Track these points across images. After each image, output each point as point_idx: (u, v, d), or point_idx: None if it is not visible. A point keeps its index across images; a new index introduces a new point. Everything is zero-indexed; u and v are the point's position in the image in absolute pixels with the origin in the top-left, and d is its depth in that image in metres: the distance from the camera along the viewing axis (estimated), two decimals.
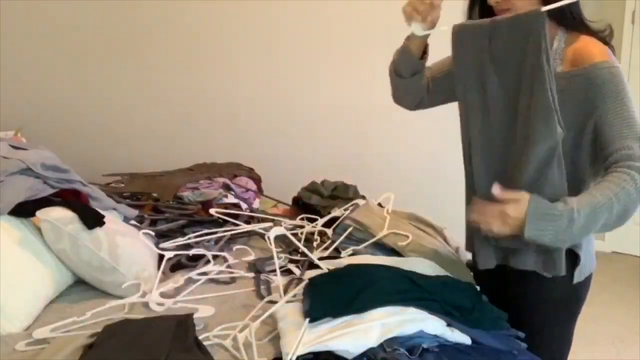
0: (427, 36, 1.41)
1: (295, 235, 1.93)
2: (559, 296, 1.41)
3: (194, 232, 1.90)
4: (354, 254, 1.75)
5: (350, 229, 1.81)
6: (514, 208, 1.19)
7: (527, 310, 1.39)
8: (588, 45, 1.29)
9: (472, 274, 1.60)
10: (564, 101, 1.25)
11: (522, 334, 1.30)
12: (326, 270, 1.51)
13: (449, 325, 1.22)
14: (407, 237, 1.71)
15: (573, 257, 1.37)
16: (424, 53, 1.47)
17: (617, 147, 1.22)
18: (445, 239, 1.82)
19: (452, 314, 1.24)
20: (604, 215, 1.20)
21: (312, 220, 2.06)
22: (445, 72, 1.50)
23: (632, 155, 1.20)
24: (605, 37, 1.33)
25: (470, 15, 1.41)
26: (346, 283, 1.30)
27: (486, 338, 1.23)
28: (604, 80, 1.24)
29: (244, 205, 2.21)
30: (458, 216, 1.61)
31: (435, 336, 1.20)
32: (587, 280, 1.44)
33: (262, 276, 1.66)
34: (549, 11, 1.24)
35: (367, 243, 1.75)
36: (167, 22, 3.03)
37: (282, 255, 1.79)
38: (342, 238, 1.79)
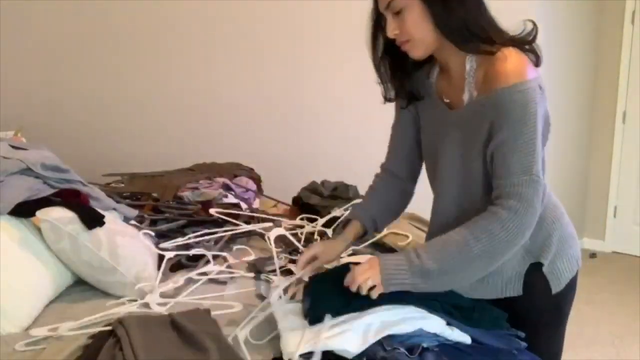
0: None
1: (295, 235, 1.93)
2: (542, 309, 1.35)
3: (194, 232, 1.90)
4: (353, 253, 1.75)
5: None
6: (370, 273, 1.21)
7: (514, 326, 1.31)
8: (497, 65, 1.19)
9: None
10: (475, 126, 1.23)
11: (522, 334, 1.29)
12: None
13: (448, 324, 1.22)
14: (407, 237, 1.71)
15: (539, 271, 1.31)
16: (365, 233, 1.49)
17: (501, 182, 1.19)
18: None
19: (452, 314, 1.24)
20: (461, 255, 1.18)
21: (312, 220, 2.06)
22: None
23: (510, 193, 1.17)
24: (522, 39, 1.24)
25: (373, 46, 1.34)
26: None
27: (486, 337, 1.23)
28: (508, 107, 1.17)
29: (244, 205, 2.21)
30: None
31: (435, 335, 1.20)
32: (571, 283, 1.36)
33: (262, 276, 1.66)
34: (457, 39, 1.20)
35: (366, 243, 1.75)
36: (167, 23, 3.03)
37: (282, 255, 1.79)
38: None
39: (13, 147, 1.78)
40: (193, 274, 1.63)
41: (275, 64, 3.09)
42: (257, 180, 2.58)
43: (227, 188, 2.27)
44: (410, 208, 1.98)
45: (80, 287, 1.62)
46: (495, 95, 1.19)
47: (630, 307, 3.24)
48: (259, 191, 2.52)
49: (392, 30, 1.25)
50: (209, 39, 3.05)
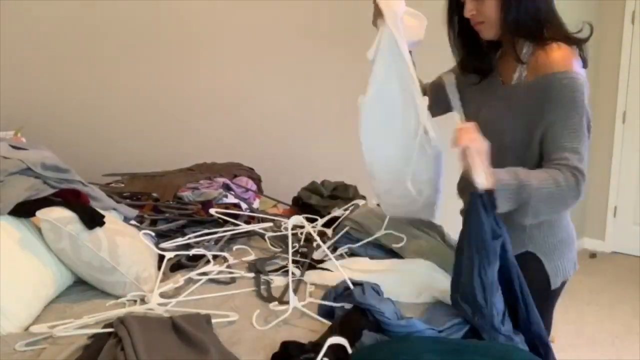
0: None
1: (295, 235, 1.93)
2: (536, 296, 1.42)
3: (194, 232, 1.90)
4: (352, 254, 1.75)
5: (346, 229, 1.81)
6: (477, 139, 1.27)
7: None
8: (550, 54, 1.35)
9: None
10: (524, 104, 1.37)
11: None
12: (324, 270, 1.51)
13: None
14: (403, 238, 1.72)
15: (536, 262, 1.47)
16: None
17: (554, 157, 1.33)
18: (442, 237, 1.83)
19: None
20: (538, 188, 1.28)
21: (312, 221, 2.06)
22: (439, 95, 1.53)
23: (567, 164, 1.31)
24: (576, 38, 1.40)
25: (450, 23, 1.49)
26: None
27: None
28: (557, 90, 1.32)
29: (244, 205, 2.21)
30: (455, 214, 1.62)
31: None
32: (565, 282, 1.52)
33: (262, 276, 1.66)
34: (522, 27, 1.37)
35: (362, 242, 1.76)
36: (167, 22, 3.03)
37: (282, 255, 1.79)
38: (337, 237, 1.80)
39: (13, 147, 1.78)
40: (193, 274, 1.63)
41: (275, 64, 3.09)
42: (257, 180, 2.58)
43: (227, 188, 2.27)
44: None
45: (80, 287, 1.62)
46: (547, 79, 1.33)
47: (630, 307, 3.24)
48: (259, 191, 2.52)
49: (469, 11, 1.40)
50: (209, 39, 3.05)
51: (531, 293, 1.35)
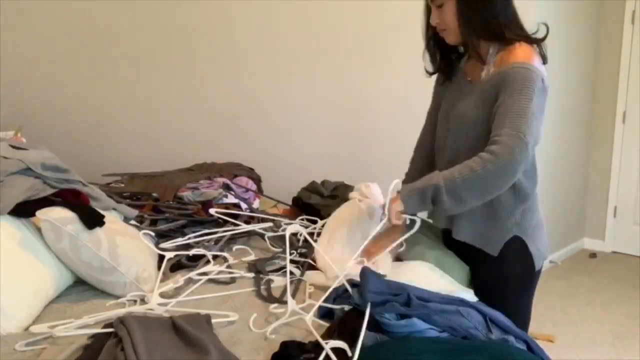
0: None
1: (295, 235, 1.93)
2: (517, 278, 1.59)
3: (194, 232, 1.90)
4: None
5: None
6: (394, 204, 1.48)
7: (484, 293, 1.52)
8: (513, 51, 1.46)
9: (462, 262, 1.64)
10: (489, 95, 1.46)
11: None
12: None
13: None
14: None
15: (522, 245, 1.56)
16: None
17: (494, 134, 1.40)
18: (439, 238, 1.82)
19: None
20: (448, 184, 1.40)
21: (312, 221, 2.06)
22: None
23: (495, 141, 1.38)
24: (535, 38, 1.49)
25: (426, 31, 1.60)
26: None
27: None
28: (513, 77, 1.41)
29: (244, 205, 2.21)
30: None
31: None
32: (540, 268, 1.62)
33: (262, 276, 1.66)
34: (479, 32, 1.48)
35: (362, 246, 1.74)
36: (167, 23, 3.03)
37: (282, 255, 1.79)
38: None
39: (13, 147, 1.78)
40: (193, 274, 1.63)
41: (275, 65, 3.09)
42: (257, 180, 2.58)
43: (227, 188, 2.27)
44: None
45: (80, 287, 1.62)
46: (505, 68, 1.44)
47: (630, 307, 3.24)
48: (259, 191, 2.52)
49: (434, 19, 1.53)
50: (209, 40, 3.05)
51: (518, 277, 1.55)
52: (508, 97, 1.39)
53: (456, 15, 1.48)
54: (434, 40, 1.61)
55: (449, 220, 1.60)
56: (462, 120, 1.54)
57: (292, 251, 1.81)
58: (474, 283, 1.62)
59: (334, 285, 1.41)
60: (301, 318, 1.36)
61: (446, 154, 1.60)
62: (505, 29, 1.47)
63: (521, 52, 1.44)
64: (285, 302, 1.43)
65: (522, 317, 1.60)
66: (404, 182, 1.74)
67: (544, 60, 1.49)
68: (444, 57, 1.64)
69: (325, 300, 1.40)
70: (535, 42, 1.49)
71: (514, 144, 1.35)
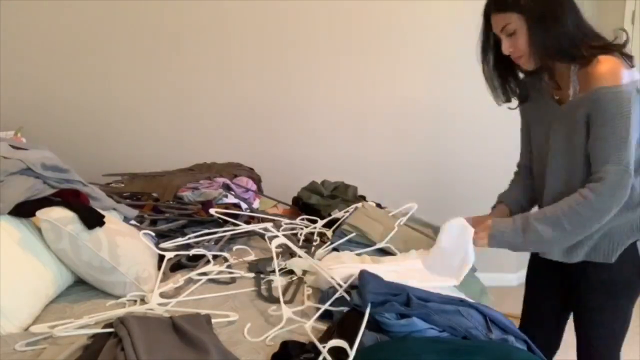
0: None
1: (294, 235, 1.93)
2: (628, 282, 1.57)
3: (194, 232, 1.90)
4: (359, 253, 1.75)
5: (351, 235, 1.80)
6: (482, 231, 1.54)
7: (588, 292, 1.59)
8: (596, 69, 1.41)
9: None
10: (581, 123, 1.44)
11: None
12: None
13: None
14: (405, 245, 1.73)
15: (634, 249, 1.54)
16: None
17: (596, 169, 1.42)
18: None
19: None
20: (555, 230, 1.45)
21: (312, 221, 2.06)
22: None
23: (599, 178, 1.40)
24: (617, 46, 1.44)
25: (484, 59, 1.58)
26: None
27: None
28: (603, 107, 1.39)
29: (244, 205, 2.21)
30: (456, 215, 1.62)
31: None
32: None
33: (262, 276, 1.66)
34: (554, 54, 1.45)
35: (364, 250, 1.74)
36: (168, 23, 3.03)
37: (281, 257, 1.79)
38: (337, 243, 1.79)
39: (13, 147, 1.78)
40: (193, 274, 1.63)
41: (275, 64, 3.09)
42: (257, 180, 2.58)
43: (227, 188, 2.27)
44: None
45: (80, 287, 1.62)
46: (593, 93, 1.40)
47: None
48: (259, 191, 2.52)
49: (507, 49, 1.49)
50: (208, 40, 3.05)
51: (627, 282, 1.55)
52: (605, 129, 1.39)
53: (529, 41, 1.45)
54: (500, 68, 1.58)
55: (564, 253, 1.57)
56: (563, 150, 1.51)
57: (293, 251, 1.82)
58: (569, 285, 1.64)
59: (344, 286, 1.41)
60: (302, 317, 1.36)
61: (547, 180, 1.58)
62: (582, 45, 1.43)
63: (604, 71, 1.39)
64: (287, 302, 1.43)
65: (623, 322, 1.64)
66: (505, 201, 1.77)
67: (631, 62, 1.43)
68: (512, 80, 1.61)
69: (323, 301, 1.40)
70: (616, 49, 1.43)
71: (618, 180, 1.39)
